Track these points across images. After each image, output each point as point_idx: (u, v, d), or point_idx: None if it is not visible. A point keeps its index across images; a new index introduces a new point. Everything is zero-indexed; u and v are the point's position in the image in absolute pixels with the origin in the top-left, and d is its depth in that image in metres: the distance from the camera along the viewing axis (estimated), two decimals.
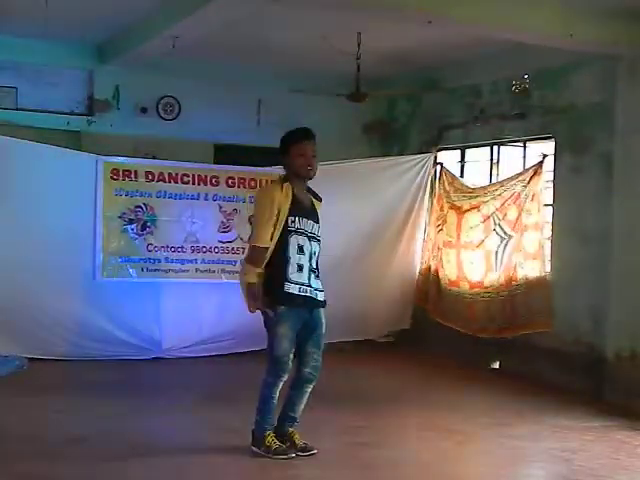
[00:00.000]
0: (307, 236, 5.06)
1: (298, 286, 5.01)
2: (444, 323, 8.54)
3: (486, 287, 8.05)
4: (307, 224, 5.07)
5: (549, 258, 7.73)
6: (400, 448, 5.50)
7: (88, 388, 6.68)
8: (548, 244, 7.70)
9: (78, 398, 6.34)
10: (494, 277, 7.96)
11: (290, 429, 5.17)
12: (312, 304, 5.09)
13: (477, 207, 8.06)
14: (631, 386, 6.73)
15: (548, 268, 7.62)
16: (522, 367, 7.87)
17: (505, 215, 7.81)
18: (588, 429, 6.08)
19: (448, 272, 8.49)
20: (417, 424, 6.08)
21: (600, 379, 7.03)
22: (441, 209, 8.64)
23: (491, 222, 7.94)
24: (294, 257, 5.00)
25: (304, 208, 5.10)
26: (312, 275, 5.08)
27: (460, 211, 8.26)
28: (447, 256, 8.48)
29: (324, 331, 5.17)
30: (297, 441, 5.13)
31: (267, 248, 4.97)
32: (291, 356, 5.05)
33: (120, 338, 7.79)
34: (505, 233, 7.81)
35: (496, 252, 7.90)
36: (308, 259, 5.05)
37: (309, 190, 5.23)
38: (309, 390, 5.17)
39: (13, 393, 6.29)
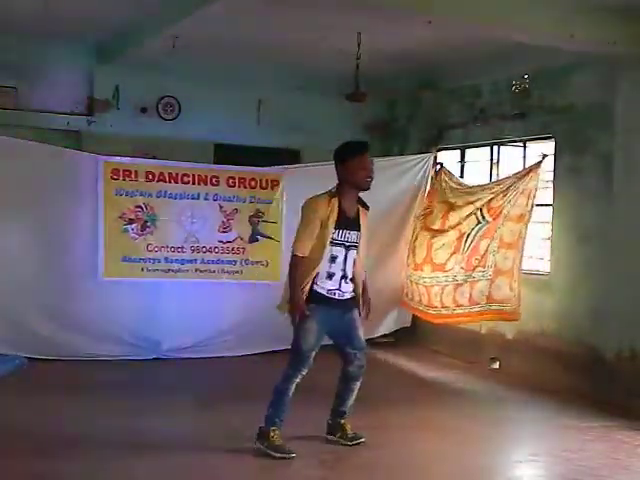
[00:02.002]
0: (345, 246, 5.22)
1: (326, 289, 5.21)
2: (410, 311, 8.55)
3: (446, 271, 7.99)
4: (348, 235, 5.23)
5: (548, 258, 7.74)
6: (400, 448, 5.49)
7: (88, 388, 6.68)
8: (529, 237, 7.56)
9: (78, 398, 6.34)
10: (457, 260, 7.87)
11: (342, 421, 5.42)
12: (342, 306, 5.27)
13: (472, 202, 7.99)
14: (631, 386, 6.74)
15: (546, 268, 7.58)
16: (522, 367, 7.88)
17: (489, 203, 7.72)
18: (588, 429, 6.08)
19: (417, 257, 8.44)
20: (417, 424, 6.08)
21: (600, 379, 7.03)
22: (430, 202, 8.55)
23: (477, 210, 7.84)
24: (326, 265, 5.18)
25: (348, 219, 5.24)
26: (343, 281, 5.25)
27: (453, 206, 8.17)
28: (421, 239, 8.36)
29: (360, 332, 5.37)
30: (347, 430, 5.40)
31: (304, 257, 5.13)
32: (313, 353, 5.19)
33: (120, 338, 7.79)
34: (483, 218, 7.72)
35: (468, 235, 7.81)
36: (341, 267, 5.24)
37: (358, 200, 5.33)
38: (356, 386, 5.43)
39: (13, 393, 6.29)
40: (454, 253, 7.91)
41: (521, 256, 7.42)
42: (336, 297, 5.24)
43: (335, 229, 5.15)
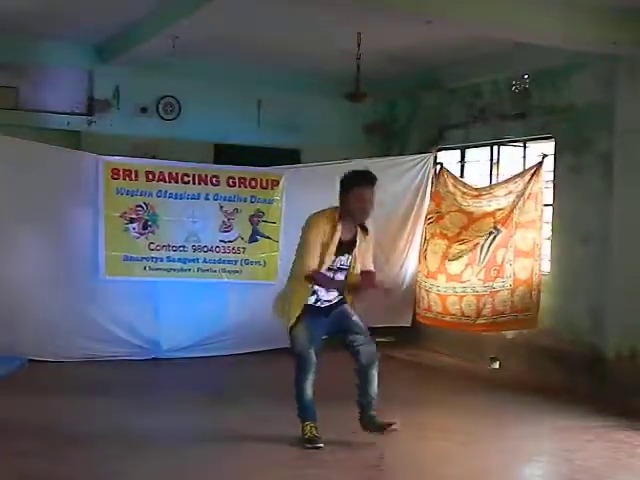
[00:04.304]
0: (334, 270, 5.32)
1: (314, 299, 5.35)
2: (420, 319, 8.56)
3: (463, 281, 7.99)
4: (340, 260, 5.32)
5: (548, 258, 7.74)
6: (401, 448, 5.49)
7: (88, 388, 6.68)
8: (545, 243, 7.67)
9: (78, 398, 6.34)
10: (474, 271, 7.90)
11: (371, 413, 5.38)
12: (329, 309, 5.39)
13: (490, 213, 7.92)
14: (631, 386, 6.74)
15: (543, 267, 7.60)
16: (522, 367, 7.88)
17: (500, 212, 7.76)
18: (588, 429, 6.08)
19: (430, 264, 8.44)
20: (418, 424, 6.07)
21: (600, 379, 7.03)
22: (437, 206, 8.57)
23: (491, 220, 7.88)
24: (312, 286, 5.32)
25: (344, 245, 5.31)
26: (325, 293, 5.36)
27: (471, 217, 8.15)
28: (434, 247, 8.39)
29: (356, 318, 5.40)
30: (377, 422, 5.35)
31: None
32: (311, 352, 5.27)
33: (120, 338, 7.80)
34: (495, 228, 7.75)
35: (482, 246, 7.84)
36: (325, 290, 5.35)
37: (358, 224, 5.37)
38: (374, 373, 5.38)
39: (13, 393, 6.29)
40: (469, 264, 7.91)
41: (539, 264, 7.43)
42: (321, 305, 5.37)
43: (334, 255, 5.26)
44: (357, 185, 5.27)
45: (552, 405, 6.77)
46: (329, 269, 5.29)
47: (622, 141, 7.04)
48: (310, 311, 5.33)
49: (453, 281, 8.11)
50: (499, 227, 7.71)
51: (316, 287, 5.30)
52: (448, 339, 8.69)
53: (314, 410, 5.35)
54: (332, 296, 5.40)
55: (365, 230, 5.39)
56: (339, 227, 5.24)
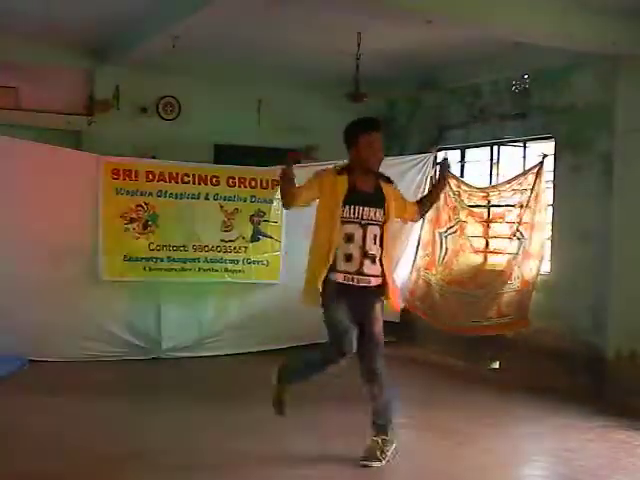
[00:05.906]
0: (360, 224, 4.99)
1: (343, 274, 4.97)
2: (429, 321, 8.59)
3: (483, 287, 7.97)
4: (362, 212, 5.00)
5: (548, 258, 7.74)
6: (401, 448, 5.48)
7: (88, 388, 6.68)
8: (548, 244, 7.68)
9: (78, 398, 6.34)
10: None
11: (373, 437, 5.10)
12: (363, 295, 5.03)
13: (502, 217, 7.91)
14: (631, 386, 6.74)
15: (543, 267, 7.59)
16: (522, 367, 7.88)
17: (521, 219, 7.68)
18: (588, 429, 6.08)
19: (455, 272, 8.35)
20: (417, 424, 6.07)
21: (600, 379, 7.04)
22: (454, 211, 8.41)
23: (513, 228, 7.81)
24: (342, 247, 4.97)
25: (362, 196, 5.01)
26: (366, 261, 5.01)
27: (482, 219, 8.12)
28: (466, 260, 8.23)
29: (378, 329, 5.09)
30: (370, 448, 5.06)
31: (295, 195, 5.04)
32: (354, 332, 4.91)
33: (120, 338, 7.80)
34: (523, 236, 7.65)
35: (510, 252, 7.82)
36: (359, 246, 4.99)
37: (377, 175, 5.13)
38: (376, 390, 5.10)
39: (13, 393, 6.30)
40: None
41: (541, 264, 7.45)
42: (355, 283, 4.98)
43: (345, 205, 4.95)
44: (365, 132, 5.01)
45: (552, 405, 6.78)
46: (349, 221, 4.96)
47: (622, 141, 7.04)
48: (344, 293, 4.93)
49: (480, 288, 8.07)
50: (525, 235, 7.63)
51: (343, 248, 4.93)
52: (448, 339, 8.68)
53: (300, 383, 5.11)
54: (375, 270, 5.02)
55: (388, 181, 5.15)
56: (344, 179, 4.96)
